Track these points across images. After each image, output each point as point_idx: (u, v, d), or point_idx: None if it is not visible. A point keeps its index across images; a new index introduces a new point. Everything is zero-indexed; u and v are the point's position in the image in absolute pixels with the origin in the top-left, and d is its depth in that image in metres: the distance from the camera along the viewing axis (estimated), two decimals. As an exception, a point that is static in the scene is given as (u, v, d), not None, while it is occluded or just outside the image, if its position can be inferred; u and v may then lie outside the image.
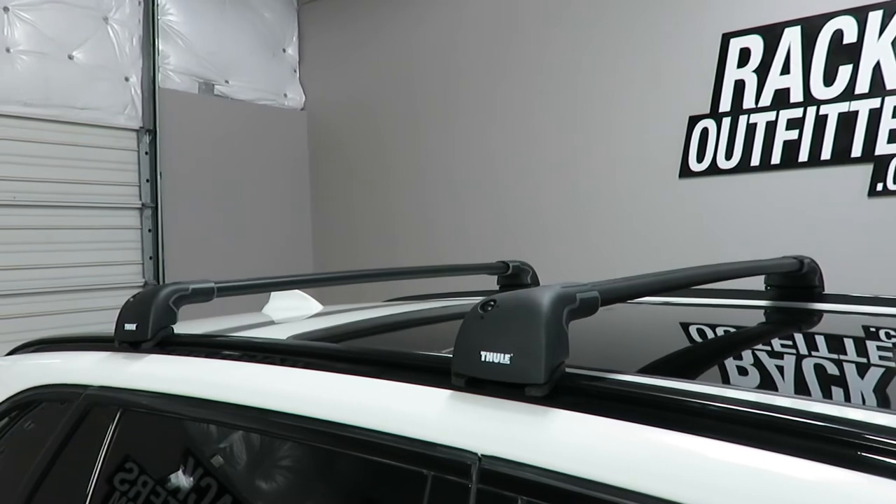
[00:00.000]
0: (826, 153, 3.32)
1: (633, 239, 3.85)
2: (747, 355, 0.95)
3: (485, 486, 0.65)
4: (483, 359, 0.68)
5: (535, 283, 1.86)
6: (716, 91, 3.61)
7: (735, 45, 3.56)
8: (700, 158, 3.68)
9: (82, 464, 1.04)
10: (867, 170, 3.23)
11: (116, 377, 1.09)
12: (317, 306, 1.62)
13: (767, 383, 0.83)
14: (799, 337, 1.10)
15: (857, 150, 3.25)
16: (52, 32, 3.97)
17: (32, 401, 1.21)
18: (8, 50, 3.81)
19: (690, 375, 0.85)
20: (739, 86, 3.55)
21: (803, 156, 3.38)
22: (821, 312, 1.28)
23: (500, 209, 4.40)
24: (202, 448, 0.97)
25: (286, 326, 1.34)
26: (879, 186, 3.20)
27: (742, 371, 0.88)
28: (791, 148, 3.41)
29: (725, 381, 0.85)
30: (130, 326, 1.11)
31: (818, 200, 3.35)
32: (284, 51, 5.26)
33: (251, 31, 5.01)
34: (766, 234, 3.47)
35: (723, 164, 3.61)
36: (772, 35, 3.46)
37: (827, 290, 1.46)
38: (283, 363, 0.93)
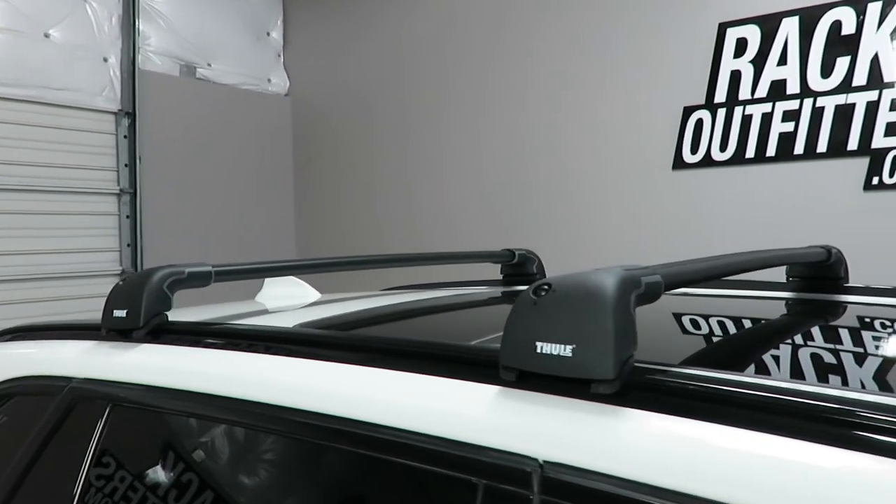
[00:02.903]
0: (822, 146, 3.28)
1: (626, 230, 3.79)
2: (811, 350, 0.88)
3: (548, 496, 0.57)
4: (538, 350, 0.60)
5: (542, 272, 1.78)
6: (711, 81, 3.56)
7: (732, 34, 3.51)
8: (694, 150, 3.63)
9: (67, 464, 0.94)
10: (863, 163, 3.20)
11: (105, 368, 0.99)
12: (314, 294, 1.52)
13: (853, 380, 0.75)
14: (865, 332, 1.02)
15: (853, 144, 3.22)
16: (28, 9, 3.81)
17: (9, 393, 1.11)
18: (-20, 26, 3.65)
19: (764, 371, 0.77)
20: (735, 76, 3.50)
21: (799, 148, 3.34)
22: (867, 305, 1.21)
23: (490, 199, 4.32)
24: (203, 448, 0.88)
25: (289, 314, 1.25)
26: (875, 180, 3.17)
27: (818, 366, 0.80)
28: (787, 140, 3.37)
29: (803, 377, 0.77)
30: (120, 313, 1.01)
31: (813, 194, 3.31)
32: (269, 34, 5.13)
33: (235, 13, 4.87)
34: (759, 227, 3.43)
35: (717, 155, 3.56)
36: (769, 25, 3.41)
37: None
38: (295, 354, 0.84)
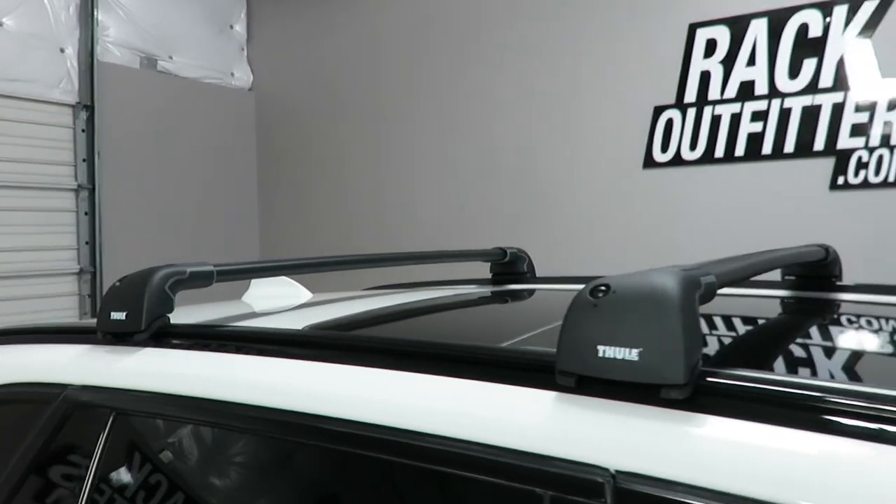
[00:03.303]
0: (789, 146, 3.34)
1: (596, 229, 3.81)
2: (848, 349, 0.88)
3: (622, 507, 0.54)
4: (600, 354, 0.57)
5: (532, 271, 1.77)
6: (682, 81, 3.60)
7: (702, 35, 3.55)
8: (664, 149, 3.66)
9: (65, 477, 0.88)
10: (829, 163, 3.26)
11: (106, 374, 0.93)
12: (307, 293, 1.48)
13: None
14: (885, 329, 1.02)
15: (819, 144, 3.28)
16: (-21, -4, 3.65)
17: None
18: (-72, 13, 3.48)
19: (822, 374, 0.76)
20: (705, 77, 3.54)
21: (767, 148, 3.40)
22: (873, 303, 1.22)
23: (459, 198, 4.30)
24: (223, 460, 0.83)
25: (293, 315, 1.20)
26: (841, 180, 3.24)
27: (869, 366, 0.79)
28: (755, 140, 3.42)
29: (858, 378, 0.76)
30: (119, 315, 0.95)
31: (781, 193, 3.37)
32: (232, 27, 5.01)
33: (197, 5, 4.74)
34: (728, 226, 3.48)
35: (687, 155, 3.60)
36: (738, 26, 3.46)
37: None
38: (317, 358, 0.80)
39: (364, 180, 4.68)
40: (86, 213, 4.10)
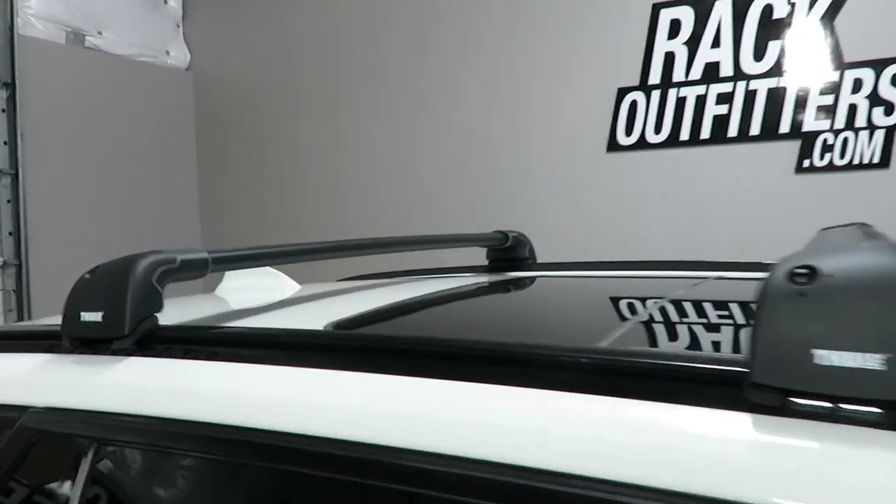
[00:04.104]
0: (755, 129, 3.31)
1: (558, 215, 3.70)
2: None
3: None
4: (818, 362, 0.42)
5: (533, 257, 1.62)
6: (645, 63, 3.52)
7: (665, 15, 3.48)
8: (629, 132, 3.58)
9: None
10: (795, 146, 3.24)
11: (80, 393, 0.73)
12: (294, 285, 1.29)
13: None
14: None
15: (785, 127, 3.26)
16: None
17: None
18: None
19: None
20: (669, 58, 3.47)
21: (733, 131, 3.36)
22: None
23: (414, 182, 4.12)
24: (237, 499, 0.65)
25: (301, 310, 1.01)
26: (806, 163, 3.23)
27: None
28: (721, 123, 3.37)
29: None
30: (92, 316, 0.76)
31: (747, 176, 3.34)
32: (166, 2, 4.68)
33: (127, -24, 4.40)
34: (694, 210, 3.43)
35: (652, 137, 3.53)
36: (702, 7, 3.40)
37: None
38: (366, 367, 0.62)
39: (316, 167, 4.44)
40: (8, 201, 3.74)
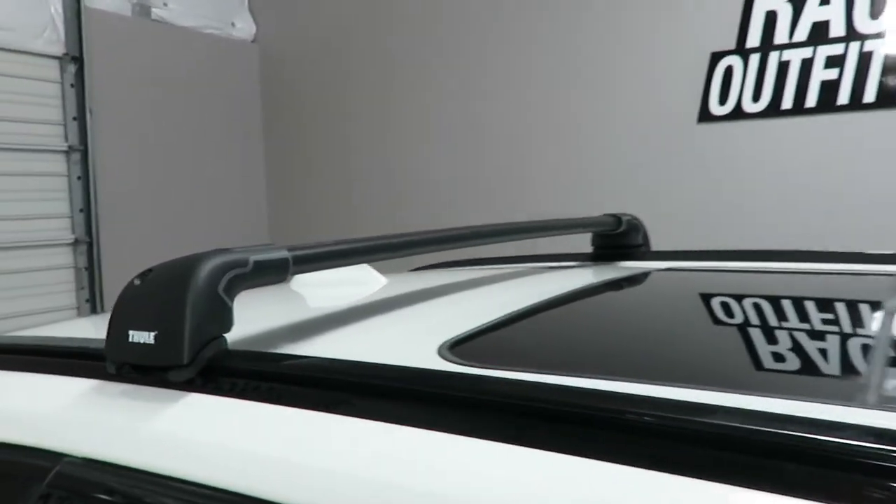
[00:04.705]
0: (870, 95, 2.98)
1: (644, 193, 3.42)
2: None
3: None
4: None
5: (647, 243, 1.41)
6: (743, 24, 3.21)
7: (767, -30, 3.15)
8: (723, 101, 3.28)
9: None
10: (916, 114, 2.90)
11: (125, 441, 0.57)
12: (379, 277, 1.12)
13: None
14: None
15: (905, 93, 2.92)
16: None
17: None
18: None
19: None
20: (771, 17, 3.16)
21: (843, 98, 3.03)
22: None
23: (486, 160, 3.91)
24: None
25: (398, 320, 0.83)
26: (929, 133, 2.89)
27: None
28: (829, 89, 3.05)
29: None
30: (143, 336, 0.59)
31: (858, 148, 3.01)
32: (231, -28, 4.56)
33: (193, -54, 4.29)
34: (796, 186, 3.12)
35: (749, 107, 3.22)
36: (811, -41, 3.06)
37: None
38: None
39: (377, 145, 4.28)
40: (78, 178, 3.71)
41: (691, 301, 1.04)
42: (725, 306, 0.98)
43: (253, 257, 0.64)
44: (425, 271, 1.44)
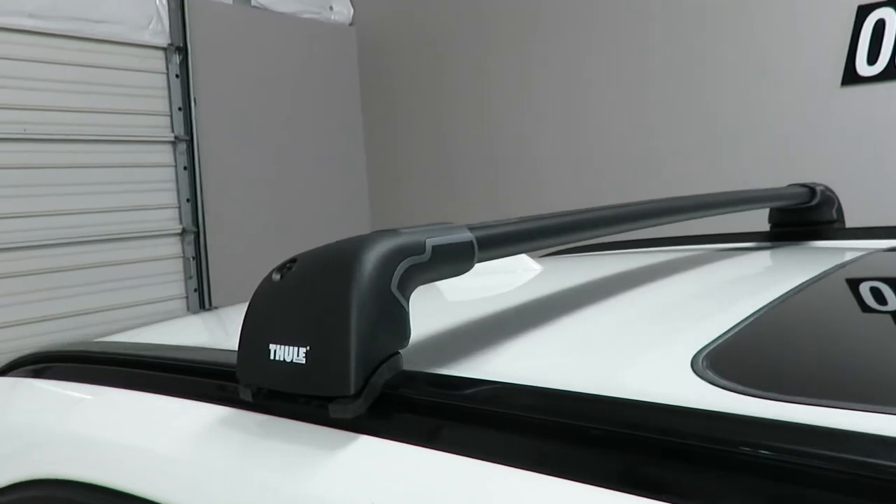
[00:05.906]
0: None
1: (781, 164, 3.09)
2: None
3: None
4: None
5: (842, 219, 1.17)
6: (897, -30, 2.83)
7: None
8: (872, 60, 2.91)
9: None
10: None
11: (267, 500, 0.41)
12: (533, 264, 0.94)
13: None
14: None
15: None
16: (59, -72, 3.23)
17: None
18: (5, -52, 3.08)
19: None
20: (932, -39, 2.77)
21: None
22: None
23: (595, 140, 3.66)
24: None
25: (604, 316, 0.64)
26: None
27: None
28: None
29: None
30: (289, 353, 0.42)
31: None
32: (328, -46, 4.47)
33: (290, -70, 4.22)
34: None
35: (905, 65, 2.85)
36: None
37: None
38: None
39: (475, 132, 4.09)
40: (185, 168, 3.71)
41: None
42: None
43: (430, 240, 0.46)
44: (577, 257, 1.24)
